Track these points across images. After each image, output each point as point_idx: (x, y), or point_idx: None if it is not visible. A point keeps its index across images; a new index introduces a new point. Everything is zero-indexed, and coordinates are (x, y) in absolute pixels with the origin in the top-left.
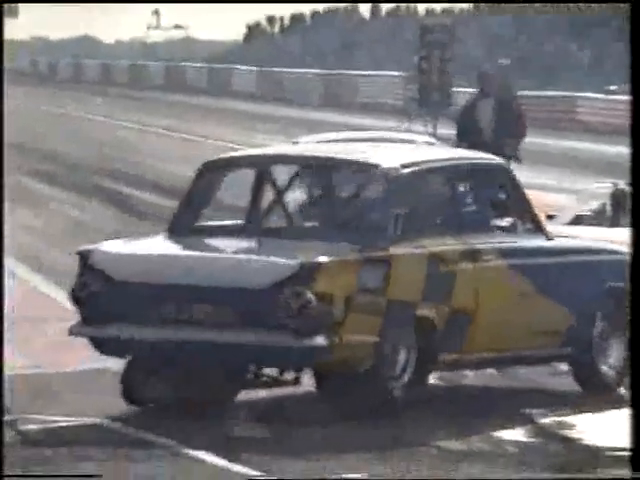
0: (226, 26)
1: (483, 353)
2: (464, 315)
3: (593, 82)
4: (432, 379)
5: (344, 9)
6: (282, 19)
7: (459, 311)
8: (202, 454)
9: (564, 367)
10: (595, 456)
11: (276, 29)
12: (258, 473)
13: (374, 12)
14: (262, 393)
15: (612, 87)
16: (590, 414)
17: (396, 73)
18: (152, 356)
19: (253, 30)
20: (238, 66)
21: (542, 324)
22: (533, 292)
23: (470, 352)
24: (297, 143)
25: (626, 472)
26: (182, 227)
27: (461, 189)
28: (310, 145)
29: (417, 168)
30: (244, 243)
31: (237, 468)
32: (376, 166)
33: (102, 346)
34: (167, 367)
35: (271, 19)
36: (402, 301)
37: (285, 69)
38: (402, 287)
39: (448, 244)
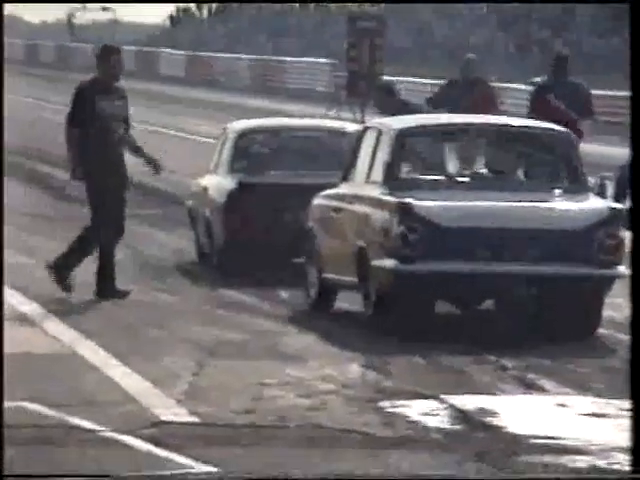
0: (154, 10)
1: None
2: None
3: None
4: None
5: None
6: (210, 3)
7: None
8: None
9: None
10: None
11: (205, 13)
12: None
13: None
14: None
15: (537, 79)
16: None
17: (325, 60)
18: (466, 287)
19: (181, 14)
20: (166, 50)
21: None
22: None
23: None
24: (226, 129)
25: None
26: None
27: None
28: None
29: None
30: (512, 194)
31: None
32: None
33: (416, 282)
34: (478, 296)
35: (199, 3)
36: None
37: (214, 54)
38: None
39: None
